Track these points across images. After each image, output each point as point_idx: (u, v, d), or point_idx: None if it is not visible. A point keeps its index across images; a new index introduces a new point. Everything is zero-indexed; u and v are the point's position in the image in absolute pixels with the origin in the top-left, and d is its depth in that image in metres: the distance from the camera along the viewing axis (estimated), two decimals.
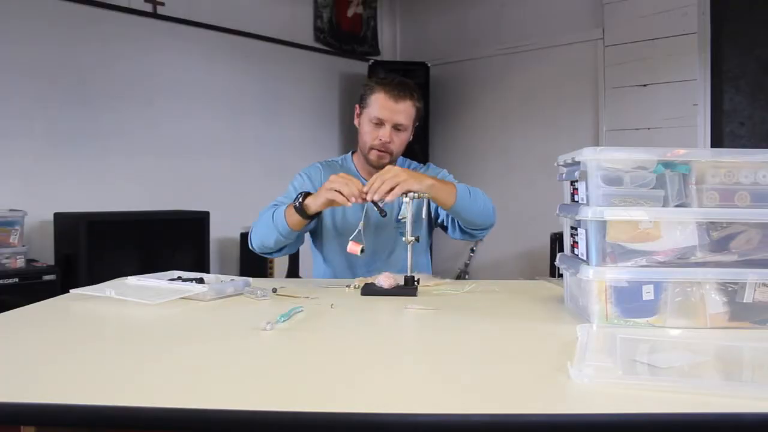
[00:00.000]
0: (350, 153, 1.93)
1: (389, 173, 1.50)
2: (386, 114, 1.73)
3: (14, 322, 1.19)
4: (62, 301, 1.38)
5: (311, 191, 1.76)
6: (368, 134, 1.76)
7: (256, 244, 1.75)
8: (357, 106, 1.82)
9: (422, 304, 1.32)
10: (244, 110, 4.07)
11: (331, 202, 1.54)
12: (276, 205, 1.76)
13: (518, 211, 4.25)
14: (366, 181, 1.82)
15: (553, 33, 4.14)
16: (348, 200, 1.49)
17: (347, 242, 1.62)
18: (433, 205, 1.80)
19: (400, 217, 1.81)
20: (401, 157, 1.91)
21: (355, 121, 1.84)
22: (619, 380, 0.77)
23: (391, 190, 1.47)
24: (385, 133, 1.74)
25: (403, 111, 1.74)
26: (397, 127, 1.75)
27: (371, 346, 1.03)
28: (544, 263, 3.78)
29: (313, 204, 1.57)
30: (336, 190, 1.49)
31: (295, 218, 1.61)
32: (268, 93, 4.20)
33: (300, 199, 1.59)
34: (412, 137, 1.84)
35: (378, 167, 1.72)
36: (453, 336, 1.10)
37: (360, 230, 1.64)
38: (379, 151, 1.76)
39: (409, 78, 4.60)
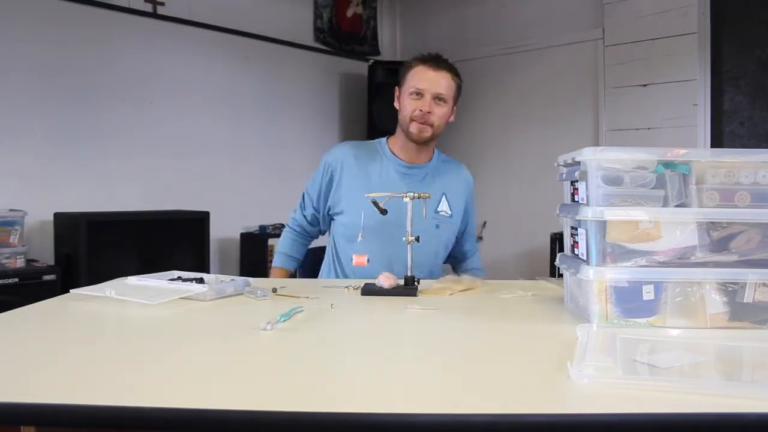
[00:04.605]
0: (385, 138, 1.89)
1: None
2: (425, 84, 1.71)
3: (14, 322, 1.19)
4: (62, 301, 1.38)
5: (332, 185, 1.79)
6: (407, 107, 1.74)
7: None
8: (396, 88, 1.82)
9: (422, 304, 1.32)
10: (244, 110, 4.06)
11: None
12: (295, 216, 1.93)
13: (518, 211, 4.25)
14: (405, 163, 1.80)
15: (553, 33, 4.14)
16: None
17: (393, 233, 1.62)
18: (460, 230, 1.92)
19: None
20: (441, 153, 1.89)
21: (395, 104, 1.82)
22: (619, 380, 0.77)
23: None
24: (425, 103, 1.71)
25: (443, 80, 1.72)
26: (437, 98, 1.72)
27: (371, 346, 1.04)
28: (544, 263, 3.77)
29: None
30: None
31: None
32: (268, 93, 4.19)
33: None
34: (454, 118, 1.82)
35: (420, 142, 1.75)
36: (453, 336, 1.10)
37: (360, 236, 1.62)
38: (419, 123, 1.73)
39: None
